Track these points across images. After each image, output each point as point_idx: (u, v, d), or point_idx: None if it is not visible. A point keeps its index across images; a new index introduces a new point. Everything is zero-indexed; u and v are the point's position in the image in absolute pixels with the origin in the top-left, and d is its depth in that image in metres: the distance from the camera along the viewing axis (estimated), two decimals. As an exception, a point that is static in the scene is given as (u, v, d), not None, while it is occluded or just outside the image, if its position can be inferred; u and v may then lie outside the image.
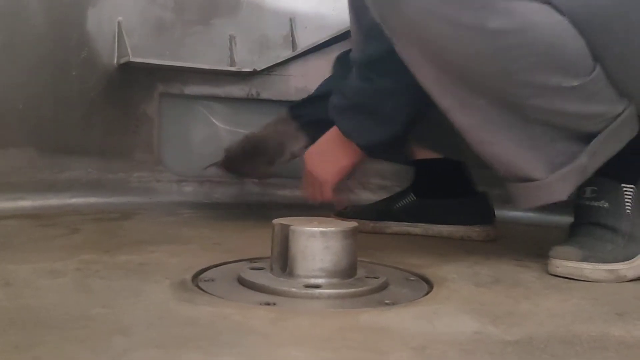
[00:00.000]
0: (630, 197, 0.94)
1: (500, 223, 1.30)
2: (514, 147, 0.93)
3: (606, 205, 0.94)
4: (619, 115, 0.90)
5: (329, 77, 1.40)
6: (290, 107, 1.40)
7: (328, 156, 1.19)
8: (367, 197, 1.62)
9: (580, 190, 0.97)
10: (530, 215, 1.47)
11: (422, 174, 1.34)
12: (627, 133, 0.92)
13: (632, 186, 0.94)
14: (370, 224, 1.30)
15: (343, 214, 1.33)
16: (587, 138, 0.91)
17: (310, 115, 1.34)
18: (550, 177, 0.92)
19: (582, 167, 0.91)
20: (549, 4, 0.83)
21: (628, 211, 0.93)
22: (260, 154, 1.38)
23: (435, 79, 0.91)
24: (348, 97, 1.12)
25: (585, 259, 0.91)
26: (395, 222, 1.30)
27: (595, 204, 0.95)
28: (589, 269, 0.90)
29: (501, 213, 1.32)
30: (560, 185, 0.92)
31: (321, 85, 1.39)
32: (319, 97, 1.32)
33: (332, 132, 1.17)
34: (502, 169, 0.97)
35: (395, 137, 1.13)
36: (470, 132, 0.95)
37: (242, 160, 1.41)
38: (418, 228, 1.29)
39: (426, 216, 1.29)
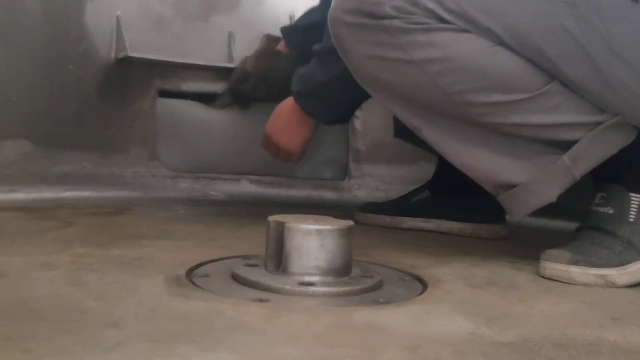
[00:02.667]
0: (636, 205, 0.94)
1: (509, 224, 1.32)
2: (492, 156, 0.97)
3: (611, 211, 0.95)
4: (601, 122, 0.93)
5: (317, 6, 1.47)
6: (284, 35, 1.52)
7: (292, 129, 1.37)
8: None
9: (591, 196, 0.98)
10: (541, 219, 1.47)
11: (441, 171, 1.39)
12: (617, 139, 0.93)
13: (639, 195, 0.94)
14: (387, 219, 1.38)
15: (363, 209, 1.42)
16: (570, 145, 0.94)
17: (304, 45, 1.40)
18: (531, 180, 0.95)
19: (564, 169, 0.94)
20: (469, 32, 0.89)
21: (631, 219, 0.93)
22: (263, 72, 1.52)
23: (399, 107, 1.00)
24: (308, 84, 1.29)
25: (574, 263, 0.91)
26: (410, 218, 1.37)
27: (601, 209, 0.96)
28: (576, 272, 0.90)
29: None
30: (544, 187, 0.95)
31: (309, 13, 1.50)
32: (309, 27, 1.44)
33: (292, 107, 1.34)
34: (483, 179, 1.01)
35: (348, 115, 1.37)
36: (444, 148, 1.00)
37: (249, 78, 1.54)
38: (431, 224, 1.35)
39: (439, 212, 1.34)
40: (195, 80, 1.62)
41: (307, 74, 1.29)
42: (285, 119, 1.37)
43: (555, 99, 0.92)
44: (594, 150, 0.93)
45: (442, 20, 0.89)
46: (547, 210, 1.00)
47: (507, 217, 1.36)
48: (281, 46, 1.53)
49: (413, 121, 1.00)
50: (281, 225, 0.78)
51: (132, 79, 1.56)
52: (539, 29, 0.89)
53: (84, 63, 1.50)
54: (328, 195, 1.69)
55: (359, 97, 1.26)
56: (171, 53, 1.57)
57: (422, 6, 0.89)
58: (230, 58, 1.65)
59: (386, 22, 0.90)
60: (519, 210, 0.98)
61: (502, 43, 0.90)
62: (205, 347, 0.56)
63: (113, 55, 1.53)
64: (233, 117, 1.66)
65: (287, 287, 0.74)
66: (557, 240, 0.98)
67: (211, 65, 1.60)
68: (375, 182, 1.69)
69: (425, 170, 1.53)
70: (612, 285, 0.89)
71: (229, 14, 1.66)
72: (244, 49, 1.64)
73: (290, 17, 1.70)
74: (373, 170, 1.68)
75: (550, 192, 0.95)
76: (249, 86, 1.53)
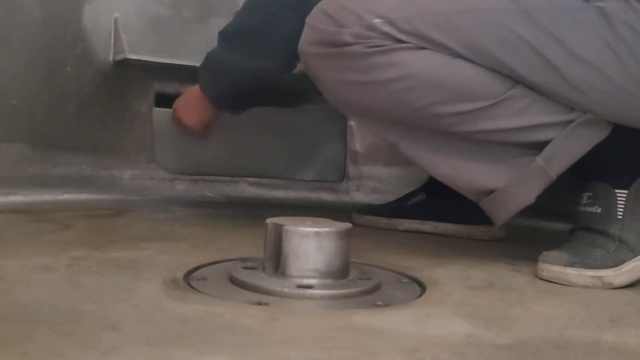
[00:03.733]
0: (622, 202, 0.94)
1: (507, 226, 1.30)
2: (468, 164, 0.99)
3: (599, 210, 0.95)
4: (572, 120, 0.94)
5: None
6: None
7: (194, 108, 1.36)
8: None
9: (578, 196, 0.99)
10: (538, 221, 1.47)
11: None
12: (590, 135, 0.94)
13: (625, 191, 0.95)
14: (384, 221, 1.38)
15: (361, 211, 1.43)
16: (545, 145, 0.95)
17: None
18: (508, 183, 0.96)
19: (538, 170, 0.95)
20: (426, 49, 0.92)
21: (620, 216, 0.94)
22: None
23: (374, 125, 1.04)
24: (208, 64, 1.31)
25: (571, 265, 0.91)
26: (407, 220, 1.37)
27: (589, 209, 0.96)
28: (573, 274, 0.91)
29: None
30: (521, 189, 0.96)
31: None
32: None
33: (197, 88, 1.34)
34: (463, 187, 1.02)
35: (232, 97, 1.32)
36: (422, 160, 1.02)
37: None
38: (427, 226, 1.35)
39: (435, 214, 1.35)
40: (194, 82, 1.61)
41: (211, 54, 1.31)
42: (190, 99, 1.37)
43: (521, 102, 0.93)
44: (567, 148, 0.94)
45: (399, 41, 0.92)
46: (545, 212, 1.00)
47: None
48: None
49: (389, 137, 1.03)
50: (279, 228, 0.78)
51: (130, 81, 1.56)
52: (493, 40, 0.90)
53: (82, 65, 1.50)
54: (326, 197, 1.69)
55: (260, 90, 1.26)
56: (170, 55, 1.57)
57: (378, 30, 0.93)
58: (228, 60, 1.64)
59: (346, 49, 0.94)
60: (500, 215, 1.00)
61: (459, 55, 0.92)
62: (203, 350, 0.56)
63: (111, 57, 1.52)
64: (230, 119, 1.65)
65: (286, 289, 0.74)
66: (555, 241, 0.98)
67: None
68: (373, 183, 1.69)
69: (422, 172, 1.53)
70: (609, 286, 0.90)
71: (228, 16, 1.63)
72: (242, 51, 1.64)
73: (288, 19, 1.70)
74: (371, 172, 1.68)
75: (527, 195, 0.96)
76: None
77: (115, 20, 1.52)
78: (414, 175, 1.61)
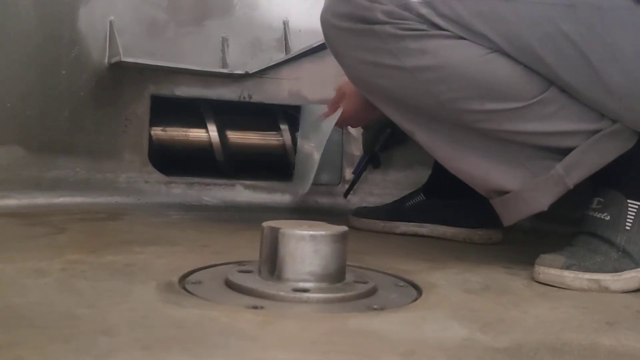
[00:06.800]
0: (633, 213, 0.93)
1: (505, 229, 1.30)
2: (485, 163, 0.96)
3: (608, 218, 0.93)
4: (600, 130, 0.91)
5: None
6: None
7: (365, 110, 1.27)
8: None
9: (588, 200, 0.97)
10: (535, 223, 1.47)
11: (436, 175, 1.38)
12: (613, 147, 0.92)
13: (638, 203, 0.93)
14: (380, 224, 1.37)
15: (357, 213, 1.41)
16: (566, 151, 0.93)
17: None
18: (524, 187, 0.94)
19: (557, 178, 0.93)
20: (463, 39, 0.87)
21: (628, 227, 0.92)
22: None
23: (392, 110, 0.99)
24: None
25: (567, 267, 0.90)
26: (404, 223, 1.36)
27: (598, 215, 0.94)
28: (570, 277, 0.90)
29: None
30: (536, 195, 0.94)
31: None
32: None
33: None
34: (476, 184, 1.00)
35: None
36: (438, 152, 1.00)
37: None
38: (424, 228, 1.34)
39: (433, 217, 1.34)
40: (189, 85, 1.61)
41: None
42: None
43: (551, 107, 0.91)
44: (589, 159, 0.92)
45: (436, 26, 0.88)
46: (542, 215, 0.99)
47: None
48: None
49: (406, 125, 1.00)
50: (275, 231, 0.77)
51: (125, 84, 1.55)
52: (536, 33, 0.87)
53: (77, 68, 1.49)
54: (322, 200, 1.68)
55: None
56: (165, 58, 1.57)
57: (414, 12, 0.88)
58: (224, 63, 1.64)
59: (377, 27, 0.89)
60: (510, 216, 0.98)
61: (497, 49, 0.88)
62: (199, 354, 0.56)
63: (106, 60, 1.52)
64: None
65: (282, 293, 0.74)
66: (552, 244, 0.98)
67: (205, 70, 1.59)
68: (369, 187, 1.69)
69: (419, 175, 1.53)
70: (605, 290, 0.89)
71: (223, 19, 1.65)
72: (237, 54, 1.64)
73: (285, 23, 1.70)
74: (367, 175, 1.67)
75: (542, 201, 0.95)
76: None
77: (111, 23, 1.52)
78: (410, 178, 1.61)
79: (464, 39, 0.88)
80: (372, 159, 1.61)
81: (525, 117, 0.91)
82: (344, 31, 0.94)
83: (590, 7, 0.85)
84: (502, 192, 0.97)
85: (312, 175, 1.38)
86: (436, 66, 0.89)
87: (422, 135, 0.99)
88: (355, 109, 1.29)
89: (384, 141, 1.56)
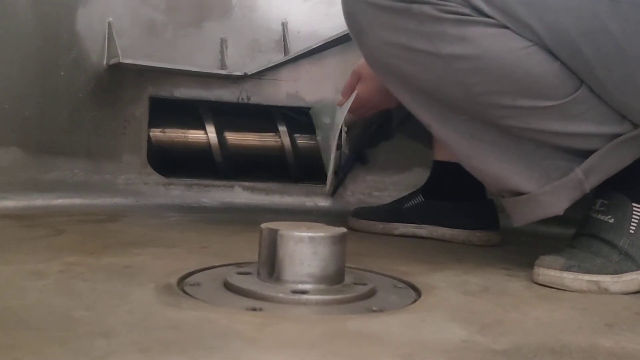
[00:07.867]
0: (638, 216, 0.92)
1: (504, 231, 1.31)
2: (502, 161, 0.93)
3: (611, 220, 0.92)
4: (620, 134, 0.90)
5: None
6: None
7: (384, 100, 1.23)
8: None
9: (591, 201, 0.96)
10: (535, 225, 1.46)
11: (435, 176, 1.38)
12: (631, 152, 0.91)
13: None
14: (379, 225, 1.36)
15: (356, 214, 1.40)
16: (586, 155, 0.91)
17: None
18: (540, 190, 0.92)
19: (576, 182, 0.91)
20: (507, 28, 0.83)
21: (632, 231, 0.91)
22: None
23: (411, 99, 0.94)
24: None
25: (567, 269, 0.90)
26: (403, 224, 1.35)
27: (601, 217, 0.93)
28: (569, 278, 0.90)
29: (507, 222, 1.31)
30: (552, 199, 0.92)
31: None
32: None
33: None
34: (490, 183, 0.98)
35: None
36: (454, 146, 0.96)
37: None
38: (423, 230, 1.34)
39: (432, 218, 1.33)
40: (187, 87, 1.61)
41: None
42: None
43: (580, 107, 0.88)
44: (607, 164, 0.91)
45: (479, 11, 0.82)
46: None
47: (505, 222, 1.36)
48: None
49: (423, 116, 0.95)
50: (274, 233, 0.77)
51: (124, 86, 1.55)
52: (579, 27, 0.83)
53: (76, 69, 1.49)
54: (321, 202, 1.68)
55: None
56: (163, 59, 1.57)
57: None
58: (222, 64, 1.64)
59: (415, 7, 0.83)
60: (523, 217, 0.96)
61: (538, 42, 0.84)
62: (197, 356, 0.55)
63: (105, 61, 1.52)
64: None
65: (280, 295, 0.74)
66: (551, 246, 0.98)
67: (203, 71, 1.59)
68: (368, 188, 1.69)
69: (418, 177, 1.53)
70: (605, 291, 0.89)
71: (221, 21, 1.66)
72: (236, 56, 1.64)
73: (283, 24, 1.70)
74: (366, 176, 1.67)
75: (558, 205, 0.92)
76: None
77: (109, 25, 1.52)
78: (409, 180, 1.61)
79: (506, 28, 0.84)
80: (359, 157, 1.60)
81: (554, 116, 0.88)
82: (374, 7, 0.87)
83: (633, 4, 0.82)
84: (516, 193, 0.95)
85: (330, 172, 1.33)
86: (474, 56, 0.84)
87: (439, 129, 0.95)
88: (371, 93, 1.23)
89: (370, 138, 1.56)
